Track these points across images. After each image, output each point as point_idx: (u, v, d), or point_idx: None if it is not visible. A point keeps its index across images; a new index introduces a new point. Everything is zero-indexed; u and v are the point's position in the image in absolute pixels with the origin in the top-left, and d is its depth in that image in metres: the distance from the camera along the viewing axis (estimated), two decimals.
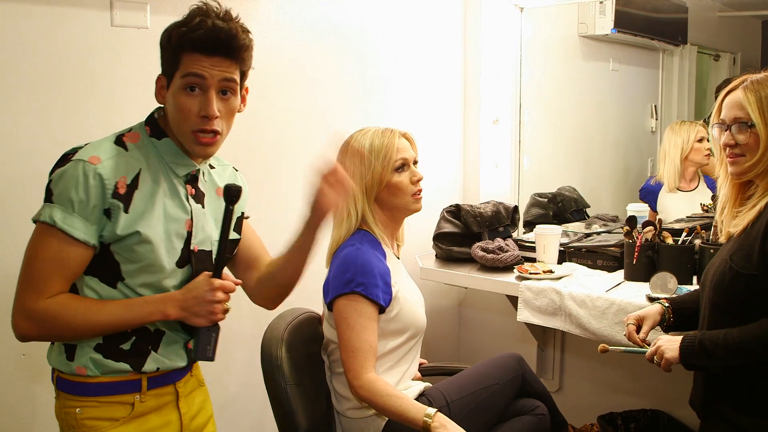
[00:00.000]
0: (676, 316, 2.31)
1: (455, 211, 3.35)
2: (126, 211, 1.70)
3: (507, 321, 3.57)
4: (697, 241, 2.87)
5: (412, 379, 2.52)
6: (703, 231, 2.90)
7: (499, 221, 3.34)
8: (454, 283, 3.28)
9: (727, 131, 2.07)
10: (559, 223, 3.56)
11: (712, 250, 2.72)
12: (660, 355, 2.10)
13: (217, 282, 1.78)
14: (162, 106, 1.84)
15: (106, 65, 2.47)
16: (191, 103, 1.73)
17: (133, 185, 1.72)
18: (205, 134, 1.75)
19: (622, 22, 3.98)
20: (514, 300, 3.28)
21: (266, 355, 2.39)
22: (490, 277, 3.11)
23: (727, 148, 2.08)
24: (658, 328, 2.33)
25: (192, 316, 1.78)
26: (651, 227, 2.93)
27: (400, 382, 2.43)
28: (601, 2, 3.89)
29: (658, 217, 2.99)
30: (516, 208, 3.45)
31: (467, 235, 3.31)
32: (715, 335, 2.01)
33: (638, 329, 2.30)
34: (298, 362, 2.42)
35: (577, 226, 3.56)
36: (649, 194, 3.90)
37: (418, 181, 2.47)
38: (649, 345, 2.21)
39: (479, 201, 3.54)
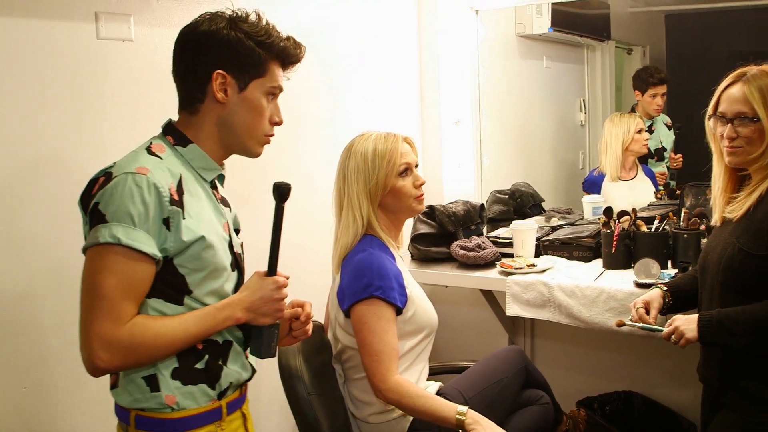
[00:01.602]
0: (674, 299, 2.42)
1: (430, 212, 3.38)
2: (184, 216, 1.66)
3: (477, 315, 3.66)
4: (668, 228, 3.00)
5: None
6: (674, 217, 3.03)
7: (471, 219, 3.39)
8: (437, 283, 3.31)
9: (729, 124, 2.15)
10: (520, 218, 3.64)
11: (686, 235, 2.88)
12: (679, 335, 2.17)
13: (281, 280, 1.80)
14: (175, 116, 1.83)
15: (93, 78, 2.40)
16: (268, 109, 1.82)
17: (180, 191, 1.68)
18: (270, 138, 1.86)
19: (557, 20, 4.14)
20: (488, 294, 3.38)
21: (285, 366, 2.37)
22: (473, 275, 3.16)
23: (727, 140, 2.16)
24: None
25: (260, 316, 1.77)
26: (627, 217, 3.05)
27: (417, 382, 2.46)
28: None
29: (631, 207, 3.11)
30: (483, 206, 3.52)
31: (443, 234, 3.35)
32: (733, 313, 2.10)
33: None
34: (315, 371, 2.42)
35: (539, 221, 3.66)
36: (593, 185, 4.07)
37: (421, 185, 2.50)
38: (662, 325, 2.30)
39: (444, 201, 3.59)
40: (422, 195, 2.51)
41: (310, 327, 1.99)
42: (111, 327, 1.58)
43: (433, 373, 2.69)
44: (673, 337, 2.20)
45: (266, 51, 1.77)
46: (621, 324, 2.43)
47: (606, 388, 3.34)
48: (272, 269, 1.81)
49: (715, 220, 2.32)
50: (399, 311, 2.36)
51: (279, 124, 1.86)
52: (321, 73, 3.24)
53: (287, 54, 1.82)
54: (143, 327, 1.62)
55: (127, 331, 1.60)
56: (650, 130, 4.30)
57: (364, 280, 2.33)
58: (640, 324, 2.37)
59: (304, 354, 2.41)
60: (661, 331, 2.25)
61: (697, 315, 2.18)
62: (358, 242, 2.42)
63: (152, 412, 1.69)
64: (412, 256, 3.42)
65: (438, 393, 2.46)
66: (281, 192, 1.78)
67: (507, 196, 3.79)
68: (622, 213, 3.08)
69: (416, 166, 2.51)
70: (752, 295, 2.10)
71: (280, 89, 1.84)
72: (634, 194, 3.93)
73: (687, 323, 2.18)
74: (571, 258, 3.22)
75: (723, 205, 2.28)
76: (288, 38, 1.83)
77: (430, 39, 3.76)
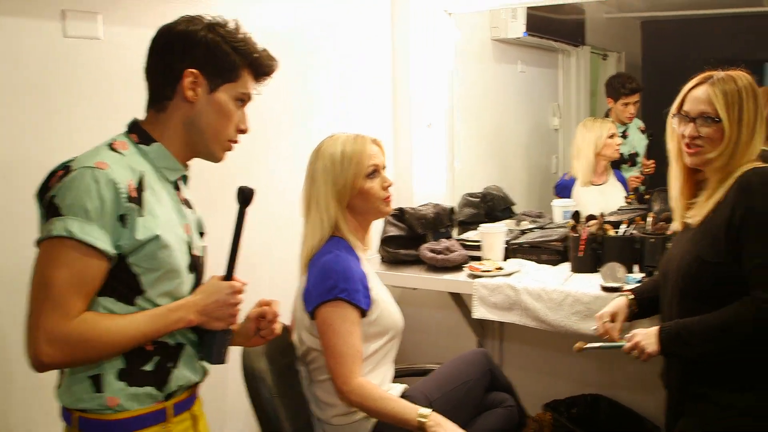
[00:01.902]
0: (639, 307, 2.43)
1: (399, 215, 3.39)
2: (141, 214, 1.64)
3: (447, 317, 3.67)
4: (634, 232, 3.03)
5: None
6: (641, 221, 3.06)
7: (441, 222, 3.41)
8: (406, 285, 3.32)
9: (692, 123, 2.17)
10: (490, 221, 3.67)
11: (652, 240, 2.90)
12: (640, 349, 2.20)
13: (237, 285, 1.79)
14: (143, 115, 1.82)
15: (60, 77, 2.38)
16: (235, 114, 1.82)
17: (140, 189, 1.67)
18: (234, 144, 1.86)
19: (532, 25, 4.17)
20: (456, 297, 3.39)
21: (248, 368, 2.36)
22: (441, 277, 3.17)
23: (688, 139, 2.18)
24: None
25: (213, 320, 1.76)
26: (595, 221, 3.06)
27: (382, 384, 2.46)
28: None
29: (600, 211, 3.13)
30: (452, 209, 3.53)
31: (412, 237, 3.36)
32: (689, 323, 2.13)
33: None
34: (279, 373, 2.41)
35: (509, 224, 3.66)
36: (564, 189, 4.10)
37: (388, 186, 2.50)
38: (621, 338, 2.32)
39: (414, 204, 3.61)
40: (390, 197, 2.50)
41: (278, 326, 1.98)
42: (58, 321, 1.56)
43: (400, 375, 2.69)
44: (634, 352, 2.22)
45: (241, 58, 1.79)
46: (581, 349, 2.37)
47: (574, 391, 3.35)
48: (229, 273, 1.81)
49: (676, 225, 2.34)
50: (364, 313, 2.37)
51: (244, 131, 1.86)
52: (293, 75, 3.24)
53: (260, 64, 1.83)
54: (91, 323, 1.61)
55: (75, 327, 1.58)
56: (624, 136, 4.33)
57: (329, 281, 2.33)
58: (598, 345, 2.37)
59: (268, 355, 2.40)
60: (621, 347, 2.27)
61: (655, 328, 2.20)
62: (325, 244, 2.42)
63: (94, 413, 1.67)
64: (381, 258, 3.42)
65: (403, 395, 2.46)
66: (245, 196, 1.80)
67: (478, 200, 3.80)
68: (590, 217, 3.09)
69: (384, 168, 2.51)
70: (709, 301, 2.11)
71: (249, 97, 1.85)
72: (605, 199, 3.94)
73: (646, 337, 2.19)
74: (539, 261, 3.24)
75: (682, 209, 2.29)
76: (264, 50, 1.85)
77: (404, 41, 3.77)
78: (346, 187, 2.41)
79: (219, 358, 1.82)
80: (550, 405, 3.28)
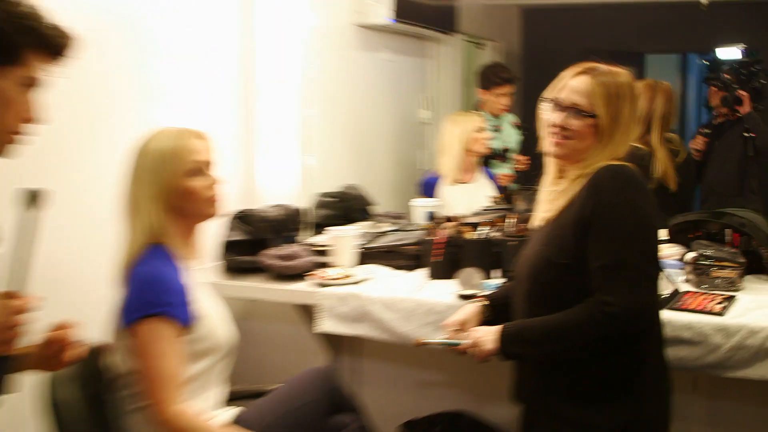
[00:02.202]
0: (495, 313, 2.31)
1: (243, 218, 3.17)
2: None
3: (297, 332, 3.40)
4: (495, 234, 2.90)
5: None
6: (502, 223, 2.93)
7: (288, 226, 3.21)
8: (242, 296, 3.09)
9: (563, 112, 2.07)
10: (347, 223, 3.49)
11: (513, 242, 2.78)
12: (478, 347, 2.12)
13: (19, 303, 1.58)
14: None
15: None
16: (23, 101, 1.63)
17: None
18: (17, 136, 1.66)
19: (399, 10, 4.02)
20: (306, 309, 3.15)
21: (50, 397, 2.16)
22: (283, 287, 2.96)
23: (554, 128, 2.09)
24: None
25: None
26: (451, 223, 2.94)
27: (209, 409, 2.27)
28: None
29: (457, 213, 2.96)
30: (303, 210, 3.35)
31: (257, 242, 3.14)
32: (532, 323, 2.08)
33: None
34: (90, 401, 2.21)
35: (367, 226, 3.51)
36: (430, 188, 3.97)
37: (213, 185, 2.29)
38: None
39: (261, 205, 3.40)
40: (215, 196, 2.29)
41: (73, 353, 1.81)
42: None
43: (238, 398, 2.49)
44: (473, 350, 2.15)
45: (22, 37, 1.58)
46: (421, 344, 2.35)
47: (436, 409, 3.14)
48: (14, 290, 1.59)
49: (535, 221, 2.23)
50: (186, 331, 2.16)
51: (30, 121, 1.65)
52: (125, 65, 3.00)
53: (48, 43, 1.62)
54: None
55: None
56: (496, 130, 4.20)
57: (146, 296, 2.13)
58: (437, 340, 2.31)
59: (79, 381, 2.20)
60: (459, 344, 2.21)
61: (497, 326, 2.13)
62: (144, 253, 2.21)
63: None
64: (225, 266, 3.17)
65: (237, 420, 2.28)
66: (34, 199, 1.62)
67: (334, 200, 3.64)
68: (449, 218, 2.94)
69: (210, 164, 2.30)
70: (559, 305, 2.03)
71: (36, 81, 1.64)
72: (472, 198, 3.81)
73: (486, 335, 2.12)
74: (394, 267, 3.07)
75: (546, 199, 2.20)
76: (52, 25, 1.62)
77: (252, 26, 3.54)
78: (166, 187, 2.21)
79: (5, 389, 1.62)
80: (408, 425, 3.06)
